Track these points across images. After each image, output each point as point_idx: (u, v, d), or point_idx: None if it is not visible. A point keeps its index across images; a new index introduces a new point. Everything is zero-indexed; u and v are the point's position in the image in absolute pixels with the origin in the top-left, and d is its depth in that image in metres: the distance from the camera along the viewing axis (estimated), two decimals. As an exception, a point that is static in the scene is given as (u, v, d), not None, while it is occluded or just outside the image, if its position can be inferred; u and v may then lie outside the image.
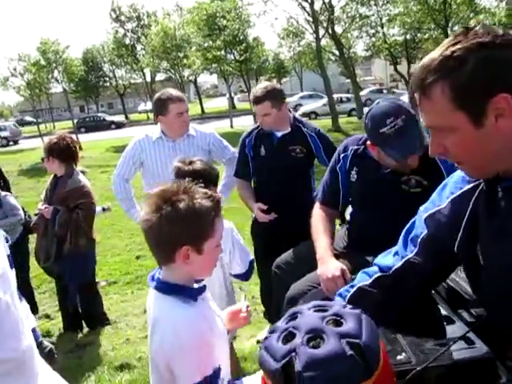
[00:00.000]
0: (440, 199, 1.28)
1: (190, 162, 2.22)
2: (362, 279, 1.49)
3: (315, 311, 0.90)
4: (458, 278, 2.09)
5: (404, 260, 1.38)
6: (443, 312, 2.00)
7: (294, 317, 0.90)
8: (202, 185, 1.36)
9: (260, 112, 3.01)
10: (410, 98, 1.12)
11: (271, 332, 0.88)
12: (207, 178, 2.11)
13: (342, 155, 2.29)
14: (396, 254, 1.43)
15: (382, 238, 2.01)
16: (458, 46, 0.98)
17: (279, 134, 3.09)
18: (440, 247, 1.28)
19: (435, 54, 1.02)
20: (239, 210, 4.80)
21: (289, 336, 0.85)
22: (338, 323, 0.85)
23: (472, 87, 0.98)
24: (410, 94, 1.10)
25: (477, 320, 1.75)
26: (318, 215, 2.32)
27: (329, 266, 1.97)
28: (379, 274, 1.44)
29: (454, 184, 1.25)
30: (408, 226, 1.43)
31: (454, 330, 1.78)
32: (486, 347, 1.60)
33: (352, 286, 1.50)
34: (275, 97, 2.98)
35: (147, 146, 3.29)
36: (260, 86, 3.07)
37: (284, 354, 0.81)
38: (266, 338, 0.89)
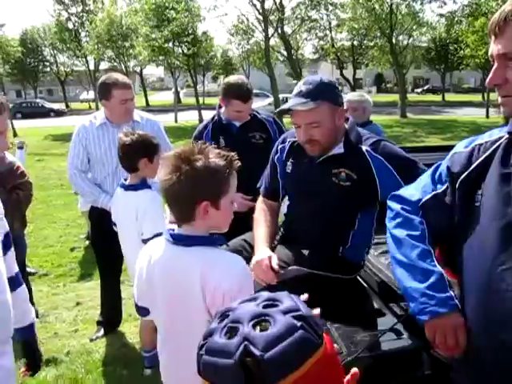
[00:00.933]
0: (468, 144, 1.36)
1: (133, 134, 2.48)
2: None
3: (246, 302, 0.88)
4: (391, 273, 2.16)
5: (433, 194, 1.42)
6: (375, 305, 2.07)
7: (225, 315, 0.87)
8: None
9: (246, 108, 3.00)
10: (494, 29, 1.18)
11: (207, 336, 0.83)
12: (150, 146, 2.50)
13: (279, 146, 2.29)
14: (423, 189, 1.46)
15: (315, 230, 2.05)
16: None
17: (238, 124, 3.09)
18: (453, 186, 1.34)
19: None
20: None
21: (231, 331, 0.81)
22: (274, 305, 0.84)
23: None
24: (491, 27, 1.18)
25: (405, 313, 1.81)
26: (259, 208, 2.34)
27: (257, 253, 2.01)
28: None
29: (487, 135, 1.33)
30: (434, 166, 1.47)
31: (384, 322, 1.84)
32: (412, 339, 1.66)
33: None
34: (252, 92, 3.06)
35: (90, 131, 3.17)
36: (242, 84, 2.97)
37: (236, 346, 0.76)
38: (202, 345, 0.83)
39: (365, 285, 2.26)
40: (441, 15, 27.23)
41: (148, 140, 2.52)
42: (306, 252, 2.06)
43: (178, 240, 1.43)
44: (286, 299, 0.85)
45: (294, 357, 0.77)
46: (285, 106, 2.02)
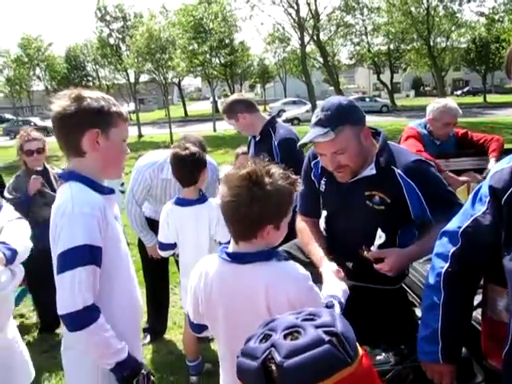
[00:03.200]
0: (508, 161, 1.34)
1: (187, 147, 2.59)
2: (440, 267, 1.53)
3: (290, 315, 0.91)
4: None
5: (472, 218, 1.41)
6: (420, 314, 2.04)
7: (267, 323, 0.91)
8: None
9: (228, 122, 3.37)
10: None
11: (247, 341, 0.88)
12: (204, 158, 2.65)
13: (313, 162, 2.20)
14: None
15: (356, 246, 1.95)
16: None
17: (256, 139, 3.34)
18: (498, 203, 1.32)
19: None
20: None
21: (265, 337, 0.85)
22: (312, 319, 0.86)
23: None
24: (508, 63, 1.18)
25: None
26: (303, 227, 2.24)
27: (324, 267, 1.93)
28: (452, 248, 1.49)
29: None
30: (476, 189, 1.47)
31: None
32: (463, 348, 1.63)
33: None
34: (227, 110, 3.30)
35: (156, 176, 3.20)
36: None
37: (262, 351, 0.81)
38: (242, 349, 0.88)
39: (411, 293, 2.24)
40: (481, 14, 26.44)
41: (201, 153, 2.66)
42: (349, 264, 2.03)
43: (239, 259, 1.45)
44: (325, 315, 0.87)
45: (314, 370, 0.78)
46: (305, 140, 1.96)
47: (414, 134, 3.47)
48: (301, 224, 2.25)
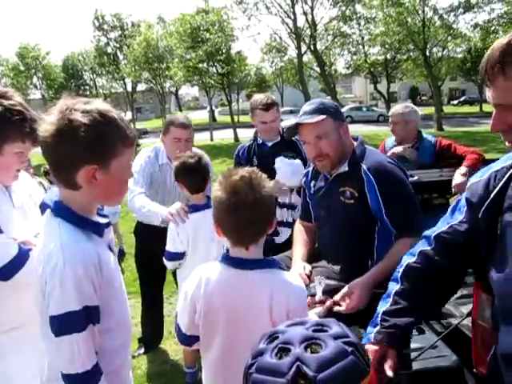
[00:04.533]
0: (484, 172, 1.36)
1: (193, 156, 2.63)
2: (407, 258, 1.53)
3: (295, 326, 0.91)
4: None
5: (449, 225, 1.44)
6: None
7: (274, 337, 0.90)
8: None
9: (269, 118, 3.16)
10: (482, 79, 1.20)
11: (256, 356, 0.87)
12: (208, 165, 2.76)
13: (305, 171, 2.47)
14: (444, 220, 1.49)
15: (339, 247, 2.12)
16: None
17: (270, 144, 3.28)
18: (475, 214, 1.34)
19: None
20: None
21: (282, 351, 0.84)
22: (323, 330, 0.88)
23: None
24: (482, 73, 1.17)
25: (446, 329, 1.79)
26: (296, 229, 2.50)
27: (294, 267, 2.19)
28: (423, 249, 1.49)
29: (502, 160, 1.34)
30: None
31: (424, 339, 1.82)
32: (455, 356, 1.64)
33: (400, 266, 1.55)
34: (277, 103, 3.25)
35: (156, 167, 3.21)
36: (261, 97, 3.21)
37: (289, 366, 0.80)
38: (251, 364, 0.87)
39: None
40: (475, 25, 26.69)
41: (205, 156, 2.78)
42: (337, 268, 2.12)
43: (244, 265, 1.48)
44: (335, 326, 0.89)
45: (345, 381, 0.80)
46: (292, 121, 2.21)
47: (381, 146, 3.87)
48: (295, 228, 2.53)
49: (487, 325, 1.42)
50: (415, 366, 1.62)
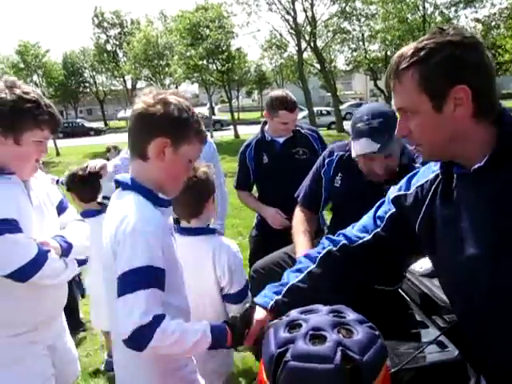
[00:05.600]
0: (408, 186, 1.38)
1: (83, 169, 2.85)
2: (329, 244, 1.55)
3: (312, 313, 0.95)
4: (432, 285, 2.14)
5: (373, 233, 1.46)
6: (417, 317, 2.06)
7: (297, 324, 0.92)
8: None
9: (293, 118, 3.02)
10: (386, 86, 1.24)
11: (284, 344, 0.89)
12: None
13: (327, 160, 2.31)
14: (364, 228, 1.50)
15: None
16: (432, 41, 1.13)
17: (281, 140, 3.12)
18: (404, 226, 1.37)
19: (412, 45, 1.17)
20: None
21: (316, 338, 0.87)
22: (342, 316, 0.92)
23: (436, 75, 1.11)
24: (387, 81, 1.23)
25: (448, 324, 1.80)
26: (298, 217, 2.40)
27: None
28: (345, 242, 1.51)
29: (422, 173, 1.35)
30: (375, 206, 1.51)
31: (427, 334, 1.83)
32: (457, 351, 1.65)
33: (322, 249, 1.55)
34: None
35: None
36: (285, 95, 3.01)
37: (333, 351, 0.83)
38: (281, 352, 0.88)
39: (406, 297, 2.25)
40: (477, 20, 26.61)
41: None
42: None
43: (189, 232, 1.99)
44: (349, 311, 0.95)
45: (381, 361, 0.88)
46: (367, 151, 2.00)
47: None
48: (296, 215, 2.43)
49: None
50: (418, 360, 1.63)
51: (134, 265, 1.33)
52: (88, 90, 43.66)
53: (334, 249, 1.51)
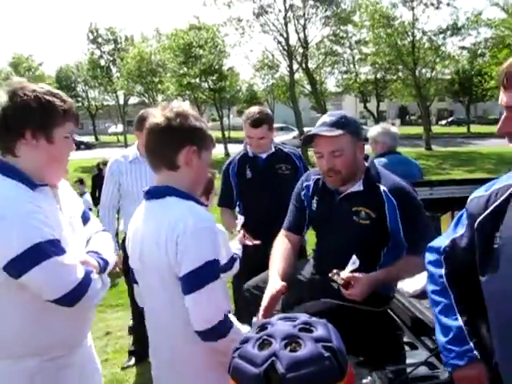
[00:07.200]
0: (485, 189, 1.39)
1: None
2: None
3: (285, 321, 0.94)
4: (422, 307, 2.16)
5: (451, 238, 1.48)
6: (406, 338, 2.07)
7: (264, 327, 0.93)
8: None
9: (258, 135, 3.05)
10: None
11: (242, 342, 0.91)
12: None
13: (305, 184, 2.36)
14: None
15: (343, 265, 1.97)
16: None
17: (264, 156, 3.17)
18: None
19: None
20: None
21: (265, 343, 0.88)
22: (309, 330, 0.90)
23: None
24: (501, 78, 1.23)
25: (437, 347, 1.81)
26: (279, 241, 2.35)
27: (270, 284, 2.03)
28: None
29: (505, 179, 1.36)
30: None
31: (416, 355, 1.85)
32: (447, 372, 1.66)
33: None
34: (271, 120, 3.11)
35: (124, 166, 3.29)
36: (255, 111, 3.07)
37: (264, 359, 0.84)
38: (237, 348, 0.91)
39: (395, 317, 2.27)
40: (463, 48, 27.29)
41: None
42: (335, 284, 2.08)
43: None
44: (321, 328, 0.91)
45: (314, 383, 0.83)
46: (311, 132, 2.11)
47: None
48: (277, 240, 2.36)
49: (484, 344, 1.43)
50: (408, 381, 1.64)
51: (203, 260, 1.45)
52: (80, 104, 43.61)
53: (444, 269, 1.52)
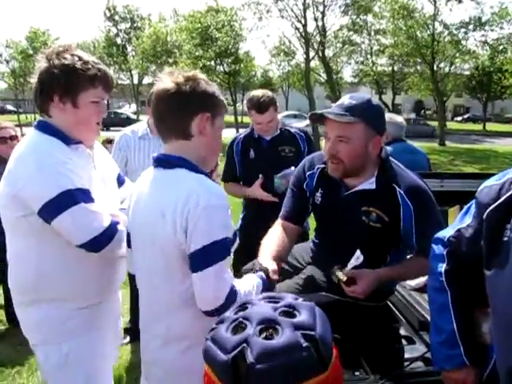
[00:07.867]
0: (498, 178, 1.31)
1: None
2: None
3: (267, 302, 0.84)
4: (422, 300, 2.10)
5: (456, 228, 1.43)
6: (405, 332, 2.01)
7: (244, 307, 0.84)
8: None
9: (267, 119, 3.05)
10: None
11: (218, 322, 0.83)
12: None
13: (308, 173, 2.12)
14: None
15: (344, 262, 1.85)
16: None
17: (268, 138, 3.18)
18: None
19: None
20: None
21: (239, 327, 0.79)
22: (291, 314, 0.80)
23: None
24: None
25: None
26: (274, 230, 2.13)
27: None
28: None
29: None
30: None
31: (415, 349, 1.79)
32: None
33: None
34: (274, 101, 3.09)
35: (132, 141, 3.23)
36: (258, 95, 3.03)
37: (234, 345, 0.75)
38: (212, 328, 0.83)
39: (396, 311, 2.21)
40: (484, 42, 26.71)
41: None
42: (335, 279, 1.98)
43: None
44: (306, 312, 0.81)
45: (285, 376, 0.73)
46: (319, 111, 1.91)
47: None
48: (272, 228, 2.14)
49: (484, 341, 1.38)
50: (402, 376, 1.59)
51: (214, 238, 1.37)
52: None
53: (445, 265, 1.48)
